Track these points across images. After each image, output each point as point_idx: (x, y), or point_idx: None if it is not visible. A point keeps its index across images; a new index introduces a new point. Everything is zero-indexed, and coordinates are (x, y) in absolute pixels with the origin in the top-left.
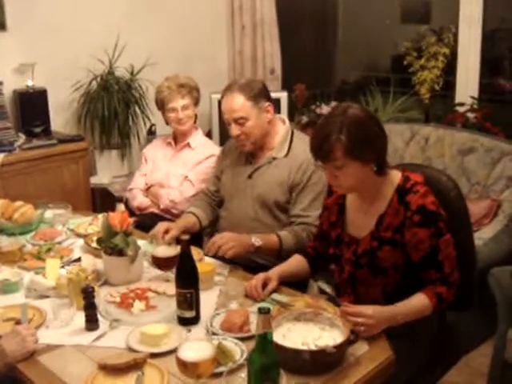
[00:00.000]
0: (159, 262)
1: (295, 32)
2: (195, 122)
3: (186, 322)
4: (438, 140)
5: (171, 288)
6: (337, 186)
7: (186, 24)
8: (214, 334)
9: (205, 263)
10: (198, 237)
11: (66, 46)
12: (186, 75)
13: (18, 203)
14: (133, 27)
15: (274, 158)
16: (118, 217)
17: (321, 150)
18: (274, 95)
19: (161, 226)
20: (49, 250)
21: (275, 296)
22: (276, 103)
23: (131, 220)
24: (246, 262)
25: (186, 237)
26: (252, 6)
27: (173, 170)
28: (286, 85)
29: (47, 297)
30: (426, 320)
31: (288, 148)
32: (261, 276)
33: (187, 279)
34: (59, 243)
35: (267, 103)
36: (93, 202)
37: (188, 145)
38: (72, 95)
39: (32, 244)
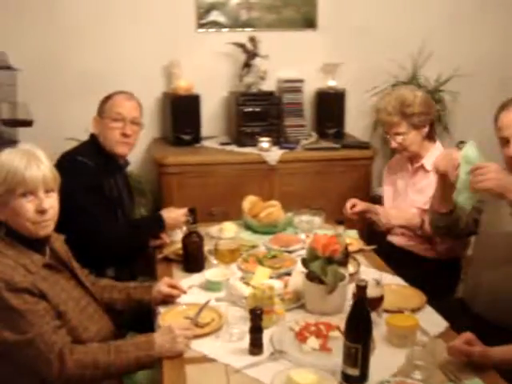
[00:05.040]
0: None
1: None
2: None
3: (348, 380)
4: None
5: None
6: None
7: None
8: None
9: (408, 316)
10: None
11: (372, 49)
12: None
13: (268, 203)
14: (440, 35)
15: None
16: (324, 240)
17: None
18: None
19: (351, 200)
20: (274, 256)
21: None
22: None
23: (339, 246)
24: None
25: (363, 283)
26: None
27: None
28: None
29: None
30: None
31: None
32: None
33: (356, 331)
34: (290, 252)
35: None
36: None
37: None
38: (370, 99)
39: (265, 247)
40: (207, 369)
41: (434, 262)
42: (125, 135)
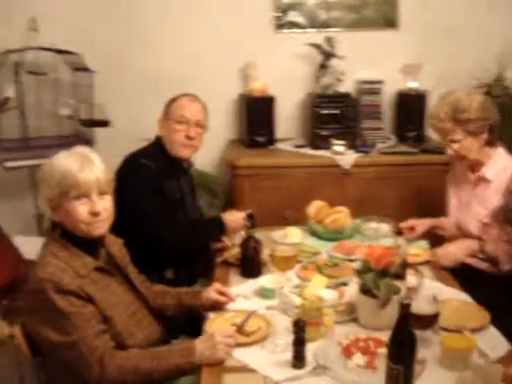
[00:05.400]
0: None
1: None
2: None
3: None
4: None
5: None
6: None
7: None
8: None
9: (465, 336)
10: None
11: (454, 49)
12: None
13: (335, 208)
14: None
15: None
16: (378, 251)
17: None
18: None
19: (408, 222)
20: (335, 265)
21: None
22: None
23: (394, 258)
24: None
25: (407, 301)
26: None
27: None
28: None
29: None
30: None
31: None
32: None
33: (398, 352)
34: (352, 260)
35: None
36: None
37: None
38: None
39: (327, 254)
40: (245, 379)
41: (501, 279)
42: (189, 137)
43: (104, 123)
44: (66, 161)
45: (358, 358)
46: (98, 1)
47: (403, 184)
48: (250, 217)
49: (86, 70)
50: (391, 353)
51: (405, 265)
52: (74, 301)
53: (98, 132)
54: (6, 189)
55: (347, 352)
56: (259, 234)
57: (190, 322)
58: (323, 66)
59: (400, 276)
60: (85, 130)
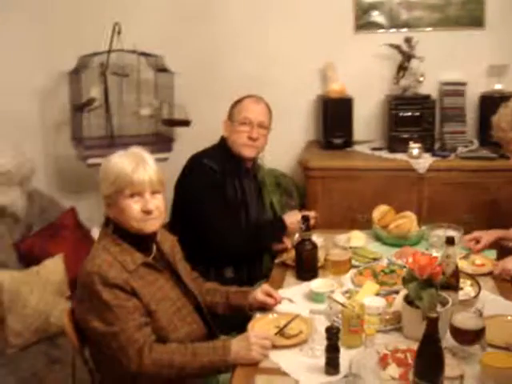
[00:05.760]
0: (455, 333)
1: None
2: None
3: None
4: None
5: (455, 369)
6: None
7: None
8: None
9: (505, 354)
10: None
11: None
12: None
13: (401, 214)
14: None
15: None
16: (424, 260)
17: None
18: None
19: (473, 234)
20: (392, 272)
21: None
22: None
23: (440, 269)
24: None
25: (434, 315)
26: None
27: None
28: None
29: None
30: None
31: None
32: None
33: (425, 368)
34: None
35: None
36: None
37: None
38: None
39: (388, 260)
40: (276, 382)
41: None
42: (251, 139)
43: (185, 123)
44: (122, 161)
45: (393, 369)
46: (182, 4)
47: (479, 191)
48: (305, 219)
49: (166, 71)
50: (416, 367)
51: (457, 275)
52: (118, 294)
53: (179, 132)
54: (89, 184)
55: (383, 362)
56: (326, 237)
57: (242, 320)
58: (402, 67)
59: (452, 287)
60: (166, 129)
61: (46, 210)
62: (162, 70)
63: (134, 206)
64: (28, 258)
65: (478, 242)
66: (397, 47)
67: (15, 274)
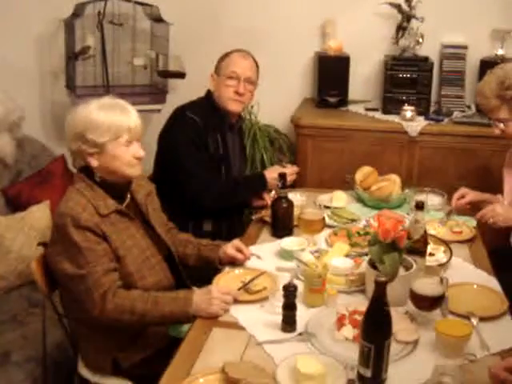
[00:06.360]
0: (414, 299)
1: None
2: None
3: (360, 380)
4: None
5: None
6: None
7: None
8: None
9: (463, 323)
10: None
11: None
12: None
13: (385, 176)
14: None
15: None
16: (389, 224)
17: None
18: None
19: (460, 190)
20: (366, 234)
21: None
22: None
23: (403, 233)
24: None
25: (382, 278)
26: None
27: None
28: None
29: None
30: None
31: None
32: None
33: (370, 330)
34: None
35: None
36: None
37: None
38: None
39: (365, 221)
40: (231, 335)
41: None
42: (238, 93)
43: (180, 75)
44: (107, 109)
45: (348, 331)
46: None
47: (471, 157)
48: (282, 177)
49: (162, 21)
50: (363, 330)
51: (425, 240)
52: (89, 236)
53: (173, 84)
54: None
55: (339, 323)
56: (309, 196)
57: (213, 273)
58: (402, 27)
59: (419, 252)
60: (160, 80)
61: (37, 157)
62: (157, 20)
63: (129, 152)
64: (15, 204)
65: (462, 197)
66: (396, 6)
67: (0, 219)
